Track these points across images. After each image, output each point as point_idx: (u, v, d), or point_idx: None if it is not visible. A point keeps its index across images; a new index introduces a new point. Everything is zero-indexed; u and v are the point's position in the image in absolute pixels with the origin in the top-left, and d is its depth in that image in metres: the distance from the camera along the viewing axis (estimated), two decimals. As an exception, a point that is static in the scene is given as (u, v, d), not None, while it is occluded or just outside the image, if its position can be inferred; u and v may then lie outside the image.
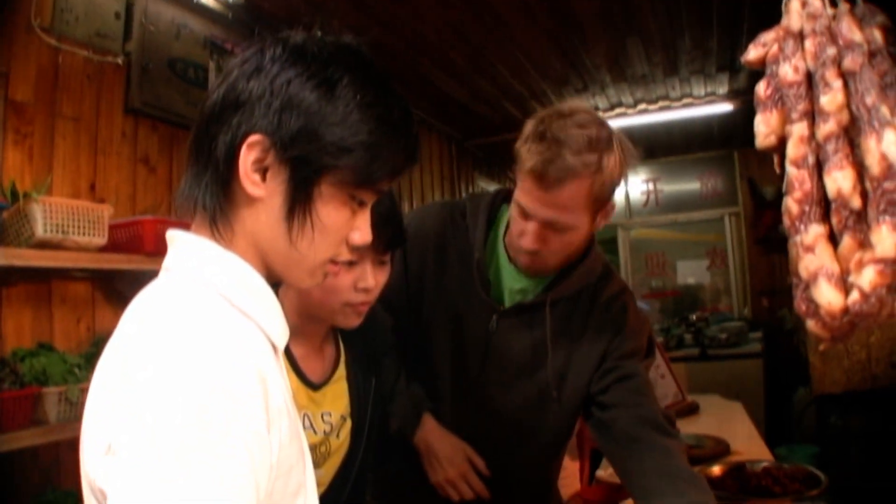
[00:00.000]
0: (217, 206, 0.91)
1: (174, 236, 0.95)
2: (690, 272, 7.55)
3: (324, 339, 1.53)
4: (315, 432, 1.45)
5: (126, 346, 0.84)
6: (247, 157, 0.87)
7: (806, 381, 4.78)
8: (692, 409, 3.84)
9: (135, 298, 0.91)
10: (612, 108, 5.92)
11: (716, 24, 4.06)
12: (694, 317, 6.91)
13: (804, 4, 0.92)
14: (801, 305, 0.93)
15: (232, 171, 0.89)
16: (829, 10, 0.91)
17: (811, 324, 0.92)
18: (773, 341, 6.51)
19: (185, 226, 0.96)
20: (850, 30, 0.87)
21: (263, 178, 0.89)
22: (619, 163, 1.57)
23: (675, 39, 4.41)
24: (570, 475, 2.62)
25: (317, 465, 1.43)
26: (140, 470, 0.73)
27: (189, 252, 0.93)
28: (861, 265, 0.85)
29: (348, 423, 1.51)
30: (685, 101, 5.72)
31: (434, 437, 1.71)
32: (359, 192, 0.94)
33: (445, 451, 1.70)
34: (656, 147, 7.14)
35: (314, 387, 1.47)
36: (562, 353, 1.74)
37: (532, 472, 1.89)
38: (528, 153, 1.53)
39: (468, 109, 5.72)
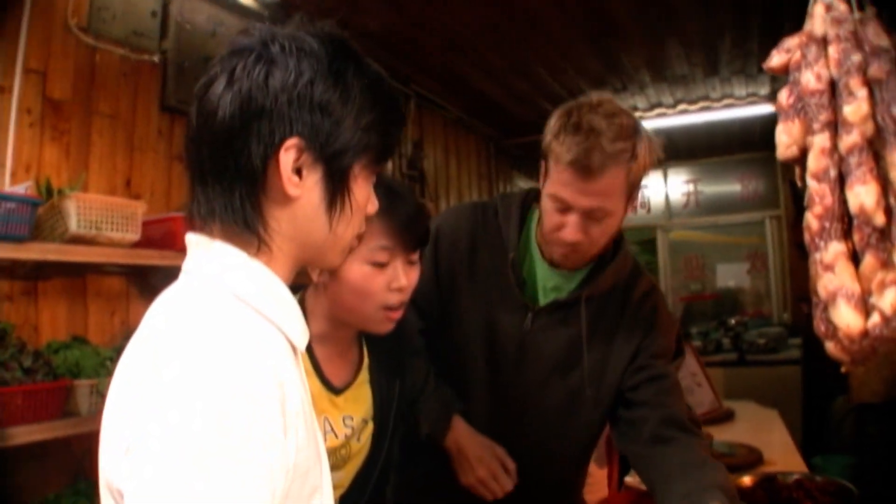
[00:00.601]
0: (257, 215, 0.91)
1: (193, 240, 0.95)
2: (730, 275, 7.42)
3: (349, 344, 1.53)
4: (336, 436, 1.45)
5: (147, 349, 0.85)
6: (286, 161, 0.89)
7: (845, 390, 4.67)
8: (727, 416, 3.78)
9: (155, 301, 0.92)
10: (651, 108, 5.86)
11: (756, 25, 3.99)
12: (732, 321, 6.79)
13: (828, 8, 0.87)
14: (819, 326, 0.88)
15: (266, 177, 0.90)
16: (857, 14, 0.86)
17: (830, 346, 0.88)
18: (812, 348, 6.35)
19: (201, 227, 0.96)
20: (877, 35, 0.83)
21: (300, 178, 0.91)
22: (649, 150, 1.61)
23: (714, 40, 4.35)
24: (596, 482, 2.59)
25: (337, 467, 1.44)
26: (159, 473, 0.74)
27: (209, 256, 0.93)
28: (883, 286, 0.80)
29: (370, 427, 1.51)
30: (726, 101, 5.63)
31: (464, 438, 1.70)
32: (377, 167, 1.00)
33: (476, 452, 1.68)
34: (696, 148, 7.04)
35: (336, 391, 1.47)
36: (596, 351, 1.74)
37: (562, 473, 1.88)
38: (564, 146, 1.55)
39: (505, 109, 5.70)
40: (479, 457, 1.68)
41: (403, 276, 1.41)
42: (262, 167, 0.89)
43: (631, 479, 2.65)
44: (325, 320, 1.43)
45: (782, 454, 2.92)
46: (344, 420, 1.47)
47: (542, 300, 1.76)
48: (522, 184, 7.24)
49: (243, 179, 0.90)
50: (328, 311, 1.43)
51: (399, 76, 4.82)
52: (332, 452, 1.42)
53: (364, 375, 1.53)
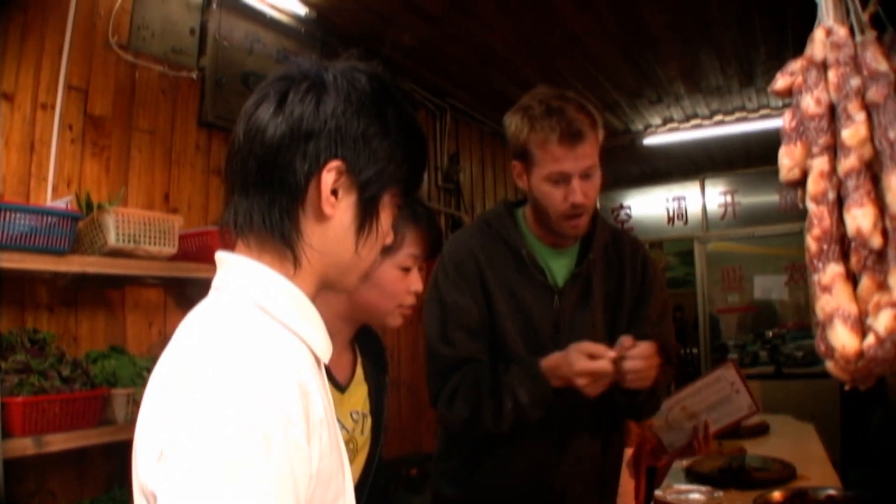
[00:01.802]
0: (294, 227, 0.97)
1: (223, 258, 1.01)
2: (768, 287, 7.32)
3: (348, 343, 1.63)
4: (347, 431, 1.53)
5: (178, 359, 0.90)
6: (327, 180, 0.95)
7: (885, 403, 4.58)
8: (762, 430, 3.74)
9: (186, 316, 0.97)
10: (687, 119, 5.83)
11: (790, 35, 3.95)
12: (770, 333, 6.71)
13: (829, 33, 0.88)
14: (819, 346, 0.89)
15: (306, 194, 0.96)
16: (859, 37, 0.87)
17: (829, 366, 0.88)
18: (852, 360, 6.25)
19: (230, 244, 1.02)
20: (875, 59, 0.83)
21: (336, 199, 0.97)
22: (597, 112, 1.88)
23: (749, 51, 4.33)
24: (626, 493, 2.59)
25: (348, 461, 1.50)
26: (190, 479, 0.78)
27: (238, 273, 0.98)
28: (878, 308, 0.80)
29: (369, 420, 1.61)
30: (762, 112, 5.58)
31: (550, 364, 1.80)
32: (402, 199, 1.07)
33: (562, 360, 1.77)
34: (734, 159, 6.98)
35: (342, 388, 1.56)
36: (616, 302, 2.01)
37: (604, 430, 2.02)
38: (545, 130, 1.81)
39: (541, 121, 5.70)
40: (567, 362, 1.76)
41: (420, 282, 1.57)
42: (304, 183, 0.95)
43: (661, 493, 2.64)
44: (334, 317, 1.49)
45: (816, 469, 2.89)
46: (351, 415, 1.56)
47: (560, 281, 1.98)
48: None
49: (285, 193, 0.96)
50: (340, 308, 1.52)
51: (435, 89, 4.86)
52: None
53: (360, 371, 1.63)
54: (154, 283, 2.86)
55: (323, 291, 1.05)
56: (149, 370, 2.42)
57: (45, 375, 2.15)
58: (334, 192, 0.97)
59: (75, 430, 2.18)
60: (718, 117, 5.77)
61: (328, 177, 0.95)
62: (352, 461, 1.49)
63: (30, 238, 2.09)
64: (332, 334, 1.37)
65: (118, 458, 2.54)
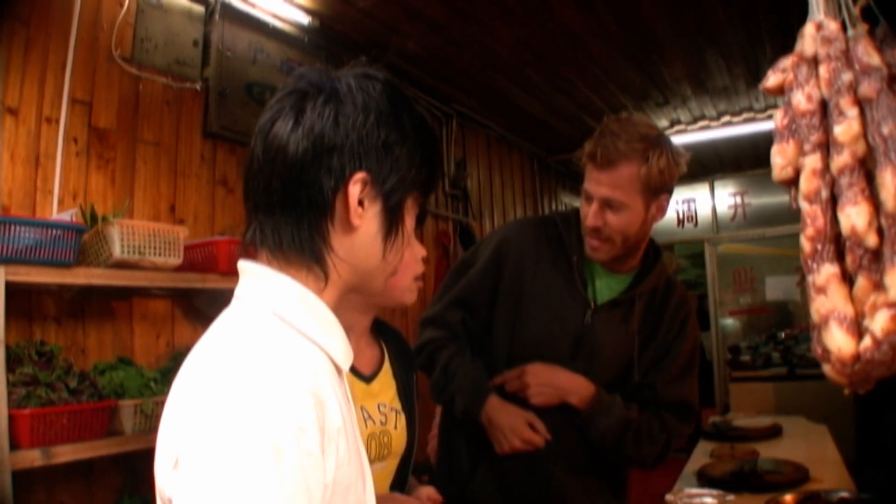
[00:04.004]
0: (324, 243, 0.98)
1: (245, 267, 1.01)
2: (780, 288, 7.26)
3: (368, 335, 1.64)
4: (374, 422, 1.54)
5: (195, 368, 0.91)
6: (354, 193, 0.96)
7: (901, 403, 4.53)
8: (775, 432, 3.70)
9: (211, 325, 0.98)
10: (694, 120, 5.81)
11: (797, 33, 3.91)
12: (783, 334, 6.66)
13: (819, 28, 0.87)
14: (816, 349, 0.87)
15: (334, 209, 0.97)
16: (850, 31, 0.85)
17: (826, 369, 0.86)
18: (866, 361, 6.19)
19: (252, 253, 1.02)
20: (866, 53, 0.81)
21: (362, 209, 0.98)
22: (668, 161, 1.85)
23: (755, 50, 4.31)
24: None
25: (382, 457, 1.55)
26: (200, 490, 0.79)
27: (258, 282, 0.99)
28: (875, 309, 0.78)
29: (403, 417, 1.62)
30: (770, 112, 5.54)
31: (495, 411, 1.93)
32: (423, 200, 1.10)
33: (508, 422, 1.91)
34: (742, 160, 6.95)
35: (366, 379, 1.57)
36: (643, 344, 2.02)
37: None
38: (588, 146, 1.88)
39: (548, 125, 5.70)
40: (511, 427, 1.90)
41: (422, 247, 1.60)
42: (331, 198, 0.96)
43: (671, 498, 2.62)
44: (346, 314, 1.49)
45: (830, 472, 2.85)
46: (379, 407, 1.57)
47: (600, 300, 2.02)
48: (567, 200, 7.22)
49: (313, 210, 0.97)
50: (352, 302, 1.49)
51: (440, 96, 4.86)
52: (373, 439, 1.52)
53: (387, 365, 1.65)
54: (161, 294, 2.86)
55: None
56: (156, 381, 2.46)
57: (53, 387, 2.16)
58: (360, 203, 0.97)
59: (83, 442, 2.18)
60: (726, 118, 5.74)
61: (354, 189, 0.96)
62: (385, 457, 1.56)
63: (35, 251, 2.10)
64: (349, 327, 1.40)
65: (127, 468, 2.56)
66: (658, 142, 1.86)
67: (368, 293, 1.13)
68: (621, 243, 1.92)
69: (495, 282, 2.05)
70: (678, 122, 5.84)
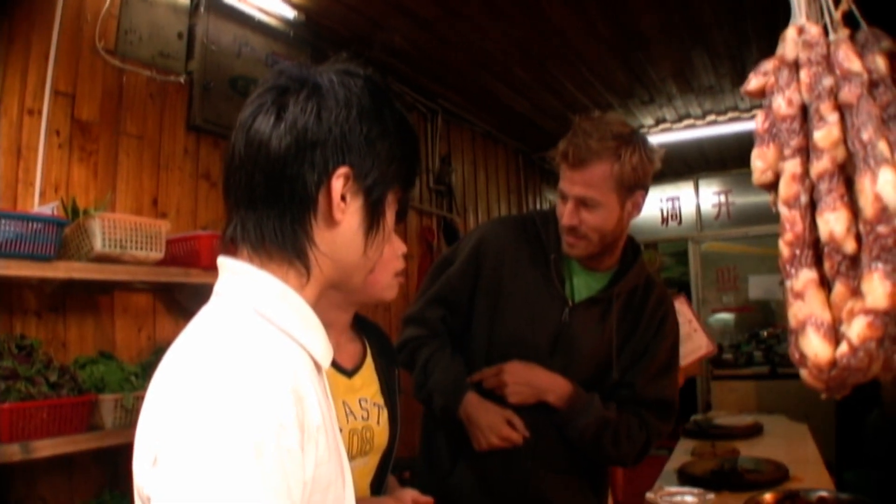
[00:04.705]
0: (307, 238, 0.98)
1: (225, 264, 1.00)
2: (763, 287, 7.28)
3: (349, 330, 1.65)
4: (356, 418, 1.54)
5: (173, 365, 0.91)
6: (337, 187, 0.97)
7: (880, 403, 4.57)
8: (756, 431, 3.73)
9: (190, 322, 0.98)
10: (679, 119, 5.83)
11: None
12: (765, 333, 6.70)
13: (800, 32, 0.87)
14: (794, 354, 0.87)
15: (317, 204, 0.97)
16: (833, 35, 0.85)
17: (803, 374, 0.86)
18: (848, 360, 6.23)
19: (232, 251, 1.02)
20: (847, 58, 0.81)
21: (345, 204, 0.99)
22: (641, 158, 1.87)
23: (741, 50, 4.33)
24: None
25: (364, 452, 1.55)
26: (180, 488, 0.78)
27: (239, 279, 0.98)
28: (852, 315, 0.78)
29: (385, 412, 1.62)
30: (755, 112, 5.52)
31: (473, 408, 1.94)
32: (402, 196, 1.10)
33: (485, 420, 1.92)
34: (727, 159, 6.98)
35: (348, 373, 1.58)
36: (622, 342, 2.03)
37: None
38: (561, 145, 1.90)
39: (534, 123, 5.71)
40: (489, 424, 1.91)
41: (402, 243, 1.61)
42: (314, 193, 0.96)
43: (651, 496, 2.63)
44: (326, 311, 1.50)
45: (809, 471, 2.88)
46: (360, 402, 1.57)
47: (577, 298, 2.03)
48: (552, 197, 7.22)
49: (296, 204, 0.97)
50: (332, 299, 1.50)
51: (426, 92, 4.86)
52: (355, 434, 1.53)
53: (370, 360, 1.65)
54: (143, 288, 2.85)
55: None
56: (137, 376, 2.45)
57: (33, 382, 2.14)
58: (342, 198, 0.97)
59: (63, 436, 2.16)
60: (711, 117, 5.77)
61: (337, 184, 0.97)
62: (367, 452, 1.56)
63: (15, 244, 2.07)
64: (329, 323, 1.40)
65: (108, 463, 2.54)
66: (630, 139, 1.88)
67: (348, 289, 1.14)
68: (598, 241, 1.94)
69: (474, 279, 2.07)
70: (663, 120, 5.86)
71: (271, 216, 0.97)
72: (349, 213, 0.99)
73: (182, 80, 3.11)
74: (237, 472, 0.78)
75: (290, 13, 3.59)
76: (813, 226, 0.85)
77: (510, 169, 6.50)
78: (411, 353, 2.06)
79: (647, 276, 2.11)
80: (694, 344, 2.52)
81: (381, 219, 1.04)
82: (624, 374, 2.03)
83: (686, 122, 5.86)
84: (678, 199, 7.71)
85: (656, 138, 6.04)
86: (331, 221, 0.98)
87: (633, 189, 1.91)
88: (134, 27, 2.89)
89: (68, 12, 2.67)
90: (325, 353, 1.02)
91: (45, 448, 2.11)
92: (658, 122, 5.89)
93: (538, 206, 6.85)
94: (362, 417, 1.55)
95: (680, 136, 6.00)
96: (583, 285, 2.05)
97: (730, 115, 5.70)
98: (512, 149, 6.47)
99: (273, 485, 0.80)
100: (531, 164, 6.79)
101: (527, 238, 2.08)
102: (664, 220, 7.76)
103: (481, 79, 4.71)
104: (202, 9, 3.18)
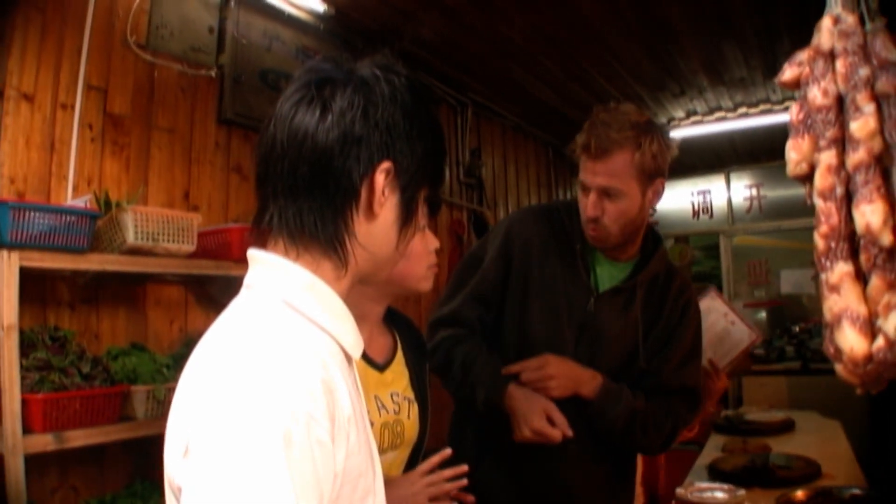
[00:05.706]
0: (347, 229, 0.99)
1: (255, 256, 1.01)
2: (795, 281, 7.19)
3: (381, 324, 1.65)
4: (388, 412, 1.55)
5: (205, 356, 0.92)
6: (380, 182, 0.99)
7: (915, 400, 4.50)
8: (787, 427, 3.68)
9: (221, 314, 0.99)
10: (710, 112, 5.76)
11: (814, 26, 3.87)
12: (797, 328, 6.60)
13: (836, 21, 0.85)
14: (828, 348, 0.85)
15: (360, 196, 0.99)
16: (869, 25, 0.83)
17: (838, 368, 0.85)
18: (881, 355, 6.13)
19: (262, 243, 1.02)
20: (885, 48, 0.79)
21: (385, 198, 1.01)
22: (660, 146, 1.90)
23: (772, 42, 4.26)
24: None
25: (395, 446, 1.56)
26: (211, 478, 0.79)
27: (269, 270, 0.99)
28: (889, 308, 0.77)
29: (415, 406, 1.62)
30: (787, 103, 5.48)
31: (515, 400, 1.92)
32: (432, 192, 1.12)
33: (524, 410, 1.89)
34: (758, 152, 6.89)
35: (380, 367, 1.58)
36: (646, 330, 2.03)
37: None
38: (581, 137, 1.91)
39: (563, 115, 5.67)
40: (527, 416, 1.88)
41: (435, 238, 1.61)
42: (359, 185, 0.98)
43: (682, 491, 2.61)
44: (359, 304, 1.50)
45: (842, 468, 2.83)
46: (392, 396, 1.58)
47: (601, 288, 2.05)
48: (582, 189, 7.18)
49: (340, 196, 0.98)
50: (365, 292, 1.50)
51: (455, 84, 4.85)
52: (386, 428, 1.53)
53: (400, 354, 1.66)
54: (175, 280, 2.88)
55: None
56: (169, 367, 2.47)
57: (66, 372, 2.18)
58: (383, 192, 1.00)
59: (95, 427, 2.21)
60: (742, 110, 5.69)
61: (380, 177, 0.99)
62: (398, 446, 1.57)
63: (49, 237, 2.11)
64: (362, 316, 1.40)
65: (139, 453, 2.58)
66: (648, 128, 1.90)
67: (375, 282, 1.16)
68: (620, 230, 1.95)
69: (505, 274, 2.08)
70: (694, 112, 5.80)
71: (313, 207, 0.98)
72: (386, 208, 1.01)
73: (213, 73, 3.14)
74: (268, 464, 0.78)
75: (320, 6, 3.59)
76: (849, 218, 0.83)
77: (540, 162, 6.47)
78: (447, 352, 2.04)
79: (668, 264, 2.13)
80: (735, 338, 2.47)
81: (415, 214, 1.06)
82: (649, 363, 2.03)
83: (717, 114, 5.80)
84: (709, 192, 7.63)
85: (687, 131, 5.99)
86: (370, 215, 1.00)
87: (653, 177, 1.93)
88: (165, 22, 2.92)
89: (100, 7, 2.70)
90: (355, 344, 1.03)
91: (78, 438, 2.15)
92: (689, 114, 5.83)
93: (567, 198, 6.80)
94: (394, 411, 1.56)
95: (711, 129, 5.94)
96: (606, 275, 2.07)
97: (761, 107, 5.62)
98: (541, 142, 6.44)
99: (302, 475, 0.81)
100: (561, 157, 6.75)
101: (552, 228, 2.09)
102: (695, 214, 7.69)
103: (510, 71, 4.69)
104: (233, 3, 3.21)
